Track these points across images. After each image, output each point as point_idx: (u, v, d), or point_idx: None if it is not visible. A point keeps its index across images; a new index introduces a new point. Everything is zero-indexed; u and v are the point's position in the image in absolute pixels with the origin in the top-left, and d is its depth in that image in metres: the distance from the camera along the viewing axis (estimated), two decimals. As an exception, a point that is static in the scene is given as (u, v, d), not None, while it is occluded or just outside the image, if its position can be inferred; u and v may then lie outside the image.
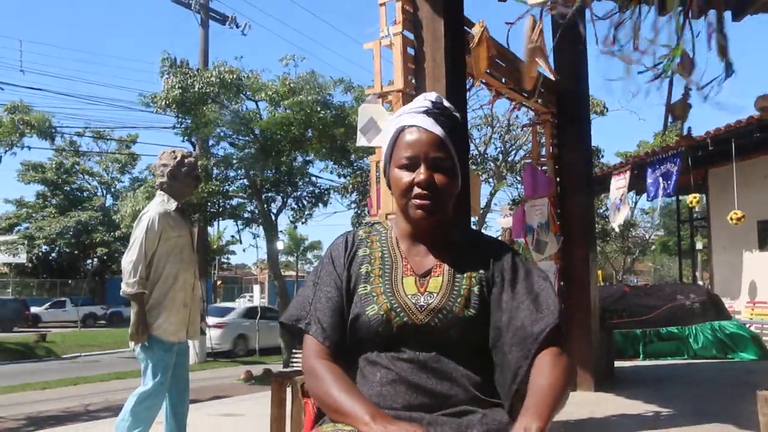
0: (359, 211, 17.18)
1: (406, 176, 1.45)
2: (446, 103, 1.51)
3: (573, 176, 6.31)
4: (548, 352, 1.38)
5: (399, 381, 1.37)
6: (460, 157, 1.48)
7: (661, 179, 8.54)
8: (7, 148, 14.93)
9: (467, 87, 4.76)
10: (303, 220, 17.46)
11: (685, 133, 6.08)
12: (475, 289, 1.46)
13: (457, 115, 1.53)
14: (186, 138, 15.57)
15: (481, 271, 1.48)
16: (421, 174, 1.43)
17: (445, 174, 1.45)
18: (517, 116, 15.86)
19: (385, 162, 1.53)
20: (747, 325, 10.09)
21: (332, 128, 14.24)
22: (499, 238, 2.23)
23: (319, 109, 13.88)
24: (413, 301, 1.43)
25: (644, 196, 10.49)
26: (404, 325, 1.40)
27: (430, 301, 1.43)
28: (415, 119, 1.47)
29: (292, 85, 14.13)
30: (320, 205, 17.25)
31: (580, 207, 6.29)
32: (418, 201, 1.44)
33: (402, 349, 1.41)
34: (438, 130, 1.45)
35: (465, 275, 1.47)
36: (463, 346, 1.42)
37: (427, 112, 1.47)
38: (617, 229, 10.90)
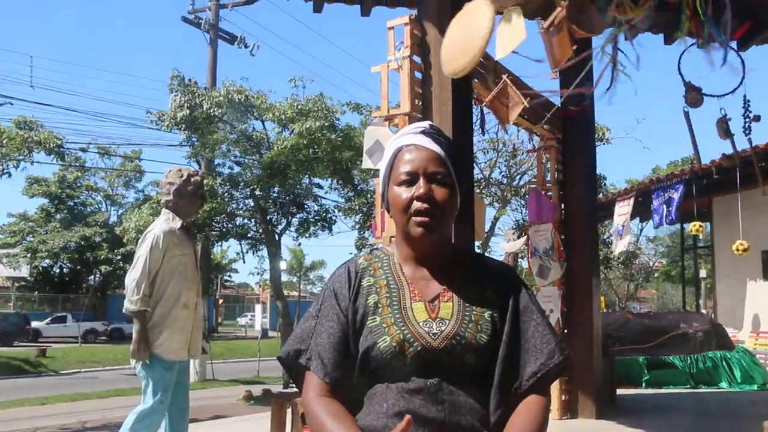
0: (363, 233, 17.15)
1: (405, 192, 1.44)
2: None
3: (577, 202, 6.32)
4: (533, 398, 1.41)
5: (406, 413, 1.34)
6: (459, 178, 1.48)
7: (664, 206, 8.51)
8: (15, 165, 15.04)
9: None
10: (307, 235, 17.42)
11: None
12: (486, 314, 1.44)
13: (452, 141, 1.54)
14: (193, 158, 15.65)
15: (490, 297, 1.47)
16: (420, 188, 1.42)
17: (444, 188, 1.44)
18: (522, 141, 15.90)
19: (384, 183, 1.52)
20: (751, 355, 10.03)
21: (339, 150, 14.27)
22: (503, 261, 2.22)
23: (326, 132, 13.90)
24: (426, 328, 1.40)
25: (650, 223, 10.45)
26: (418, 355, 1.38)
27: (443, 328, 1.40)
28: (413, 139, 1.48)
29: (300, 107, 14.16)
30: (326, 229, 17.25)
31: (583, 233, 6.28)
32: (418, 218, 1.42)
33: (412, 378, 1.38)
34: (436, 148, 1.46)
35: (475, 300, 1.45)
36: (475, 374, 1.41)
37: (425, 133, 1.49)
38: (617, 256, 10.90)
